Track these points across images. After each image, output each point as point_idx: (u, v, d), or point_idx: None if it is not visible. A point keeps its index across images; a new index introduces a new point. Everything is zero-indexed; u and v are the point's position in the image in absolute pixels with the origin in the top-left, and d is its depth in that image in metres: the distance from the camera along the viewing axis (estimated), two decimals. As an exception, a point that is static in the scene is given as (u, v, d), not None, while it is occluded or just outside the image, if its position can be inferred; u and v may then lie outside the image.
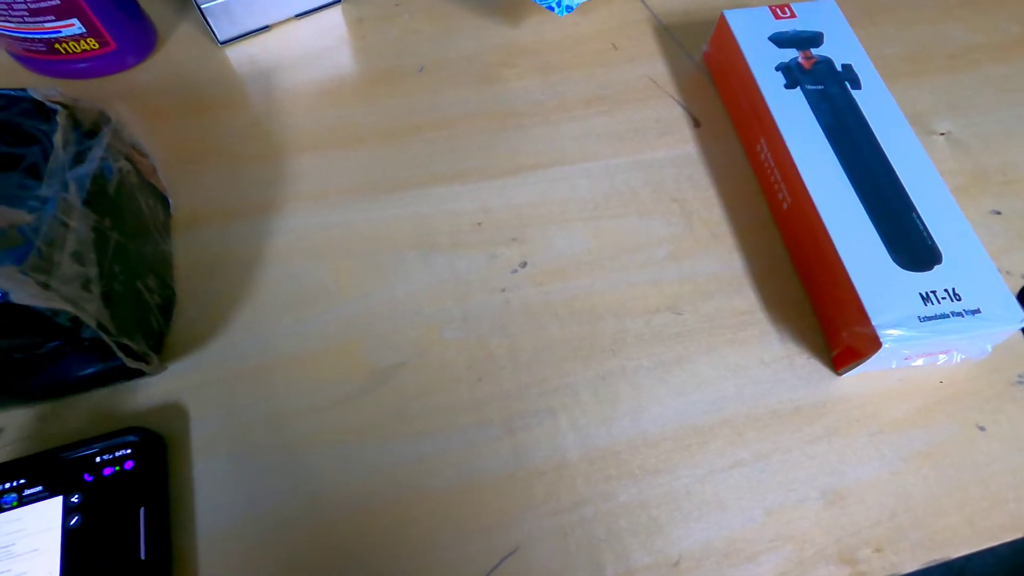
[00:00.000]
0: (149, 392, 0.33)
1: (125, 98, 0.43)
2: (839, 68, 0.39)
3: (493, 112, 0.43)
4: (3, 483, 0.28)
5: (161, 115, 0.42)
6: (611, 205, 0.39)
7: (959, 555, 0.30)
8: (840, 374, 0.34)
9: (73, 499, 0.28)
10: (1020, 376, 0.35)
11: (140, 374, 0.32)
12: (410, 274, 0.36)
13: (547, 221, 0.39)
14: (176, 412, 0.32)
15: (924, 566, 0.29)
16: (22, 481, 0.29)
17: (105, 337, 0.28)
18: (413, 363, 0.34)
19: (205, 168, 0.40)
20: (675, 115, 0.43)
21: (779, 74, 0.38)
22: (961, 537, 0.30)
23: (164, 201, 0.38)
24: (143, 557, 0.27)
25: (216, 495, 0.30)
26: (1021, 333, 0.36)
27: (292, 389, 0.33)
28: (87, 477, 0.29)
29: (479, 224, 0.38)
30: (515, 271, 0.37)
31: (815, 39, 0.40)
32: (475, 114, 0.43)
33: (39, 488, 0.29)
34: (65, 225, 0.27)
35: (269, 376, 0.33)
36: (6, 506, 0.28)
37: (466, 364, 0.34)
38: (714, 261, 0.38)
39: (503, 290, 0.36)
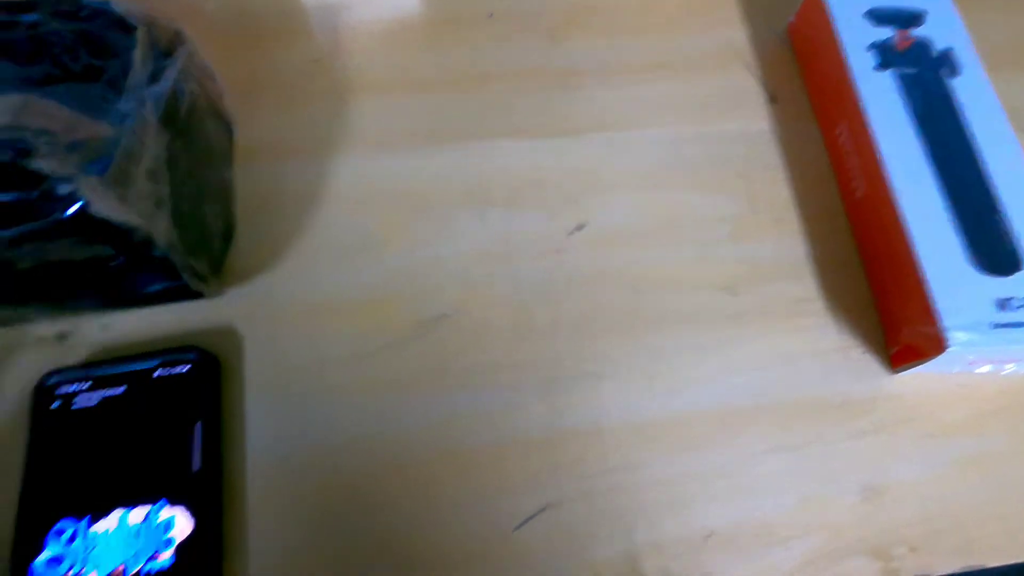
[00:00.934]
0: (205, 315, 0.33)
1: (190, 22, 0.43)
2: (937, 52, 0.36)
3: (558, 69, 0.41)
4: (69, 385, 0.30)
5: (225, 43, 0.42)
6: (673, 177, 0.38)
7: (995, 565, 0.30)
8: (896, 372, 0.33)
9: (133, 407, 0.30)
10: (1084, 395, 0.34)
11: (199, 295, 0.32)
12: (463, 228, 0.36)
13: (606, 187, 0.38)
14: (230, 338, 0.33)
15: (959, 571, 0.29)
16: (87, 384, 0.30)
17: (172, 255, 0.28)
18: (457, 318, 0.34)
19: (266, 101, 0.40)
20: (749, 88, 0.41)
21: (870, 53, 0.36)
22: (999, 547, 0.30)
23: (228, 129, 0.38)
24: (196, 468, 0.29)
25: (264, 422, 0.31)
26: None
27: (337, 333, 0.33)
28: (146, 387, 0.30)
29: (537, 183, 0.38)
30: (570, 234, 0.36)
31: (916, 18, 0.38)
32: (540, 69, 0.41)
33: (102, 393, 0.30)
34: (142, 142, 0.27)
35: (316, 317, 0.34)
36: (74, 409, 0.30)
37: (510, 324, 0.34)
38: (775, 245, 0.37)
39: (556, 251, 0.36)
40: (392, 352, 0.33)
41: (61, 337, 0.33)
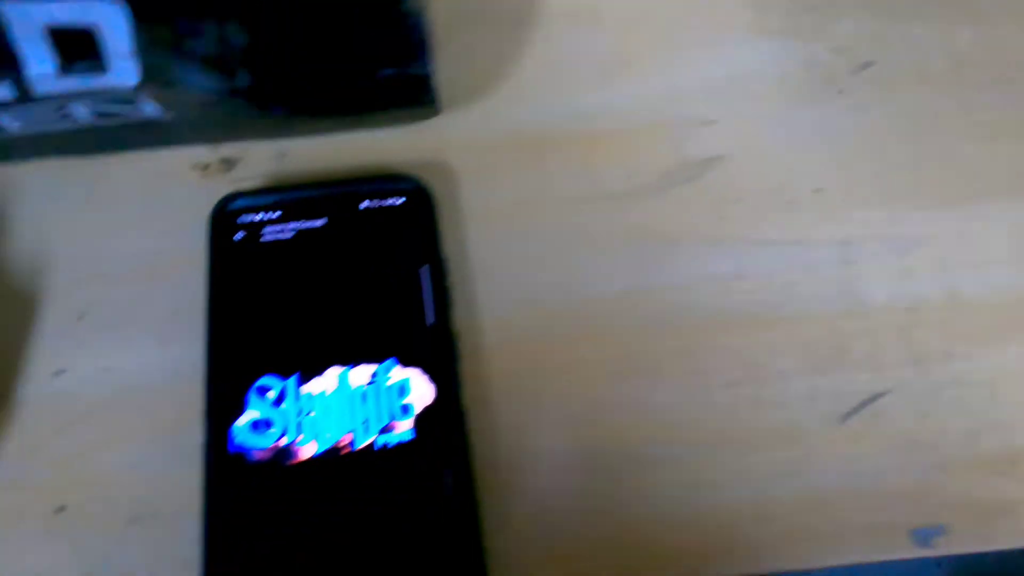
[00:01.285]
0: (406, 145, 0.26)
1: None
2: None
3: None
4: (255, 213, 0.23)
5: None
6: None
7: None
8: None
9: (339, 243, 0.23)
10: None
11: (426, 105, 0.25)
12: (738, 47, 0.28)
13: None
14: (441, 173, 0.25)
15: None
16: (277, 213, 0.23)
17: (423, 24, 0.21)
18: (735, 159, 0.26)
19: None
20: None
21: None
22: None
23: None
24: (430, 322, 0.23)
25: (491, 272, 0.24)
26: None
27: (572, 171, 0.26)
28: (352, 221, 0.23)
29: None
30: (854, 73, 0.28)
31: None
32: None
33: (298, 225, 0.24)
34: None
35: (545, 151, 0.26)
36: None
37: (802, 169, 0.26)
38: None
39: (839, 92, 0.27)
40: (647, 195, 0.26)
41: (227, 163, 0.26)
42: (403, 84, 0.23)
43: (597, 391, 0.23)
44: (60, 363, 0.23)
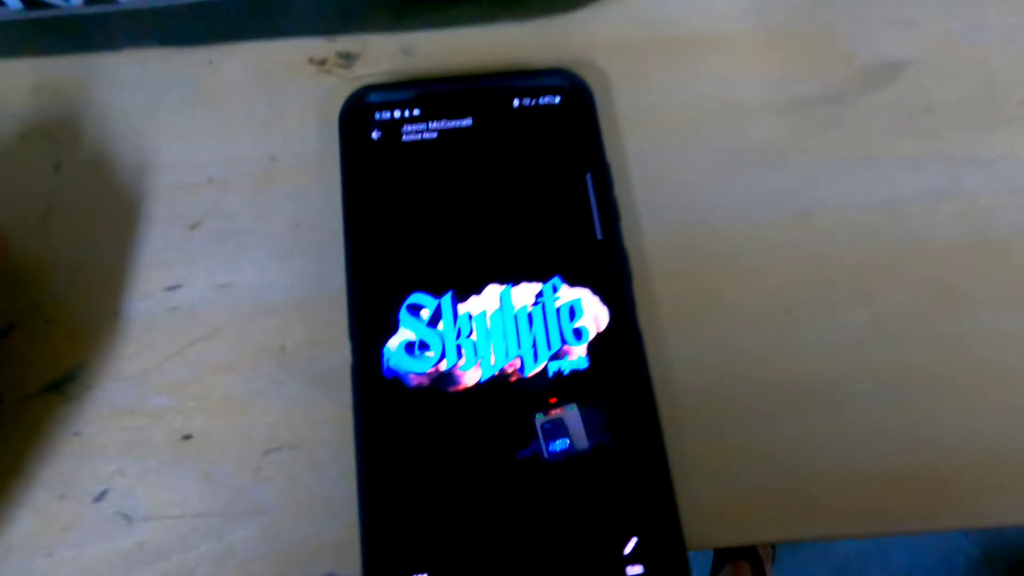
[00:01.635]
0: (547, 42, 0.23)
1: None
2: None
3: None
4: (392, 110, 0.20)
5: None
6: None
7: None
8: None
9: (490, 145, 0.20)
10: None
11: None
12: None
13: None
14: (590, 72, 0.22)
15: None
16: (417, 111, 0.20)
17: None
18: (929, 64, 0.22)
19: None
20: None
21: None
22: None
23: None
24: (600, 237, 0.20)
25: (651, 186, 0.21)
26: None
27: (738, 74, 0.22)
28: (504, 120, 0.20)
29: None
30: None
31: None
32: None
33: (442, 124, 0.21)
34: None
35: (706, 51, 0.23)
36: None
37: (1008, 77, 0.22)
38: None
39: None
40: (825, 103, 0.22)
41: (345, 59, 0.23)
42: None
43: (773, 324, 0.20)
44: (173, 277, 0.20)
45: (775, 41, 0.23)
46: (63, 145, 0.22)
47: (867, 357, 0.20)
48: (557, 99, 0.20)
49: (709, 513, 0.18)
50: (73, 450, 0.18)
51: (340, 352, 0.18)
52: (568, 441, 0.17)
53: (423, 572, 0.16)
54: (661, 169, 0.22)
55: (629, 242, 0.20)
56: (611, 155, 0.21)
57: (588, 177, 0.20)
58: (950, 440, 0.19)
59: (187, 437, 0.18)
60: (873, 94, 0.23)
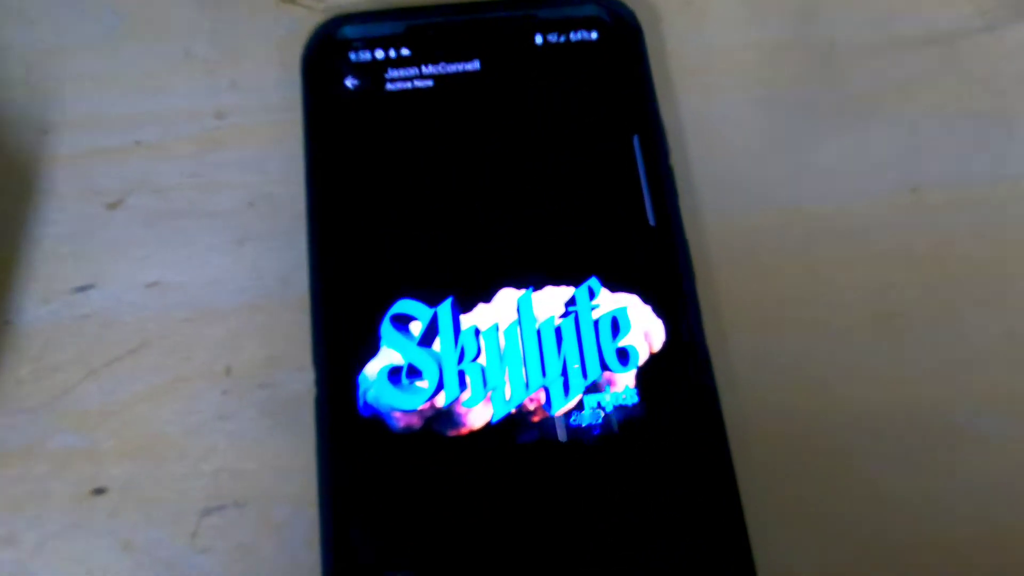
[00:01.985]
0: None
1: None
2: None
3: None
4: (370, 50, 0.15)
5: None
6: None
7: None
8: None
9: (502, 96, 0.15)
10: None
11: None
12: None
13: None
14: (638, 2, 0.16)
15: None
16: (405, 51, 0.15)
17: None
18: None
19: None
20: None
21: None
22: None
23: None
24: (652, 222, 0.15)
25: (714, 151, 0.16)
26: None
27: (826, 8, 0.17)
28: (523, 63, 0.15)
29: None
30: None
31: None
32: None
33: (439, 68, 0.17)
34: None
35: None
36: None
37: None
38: None
39: None
40: (937, 47, 0.17)
41: None
42: None
43: (873, 337, 0.15)
44: (85, 274, 0.15)
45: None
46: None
47: (999, 381, 0.15)
48: (594, 35, 0.15)
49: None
50: (-52, 507, 0.14)
51: (304, 375, 0.14)
52: (610, 498, 0.13)
53: None
54: (725, 132, 0.16)
55: (691, 227, 0.15)
56: (667, 109, 0.17)
57: (635, 140, 0.15)
58: None
59: (100, 491, 0.14)
60: (1004, 31, 0.18)
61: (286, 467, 0.14)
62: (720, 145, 0.16)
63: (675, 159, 0.16)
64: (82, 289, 0.15)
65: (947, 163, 0.16)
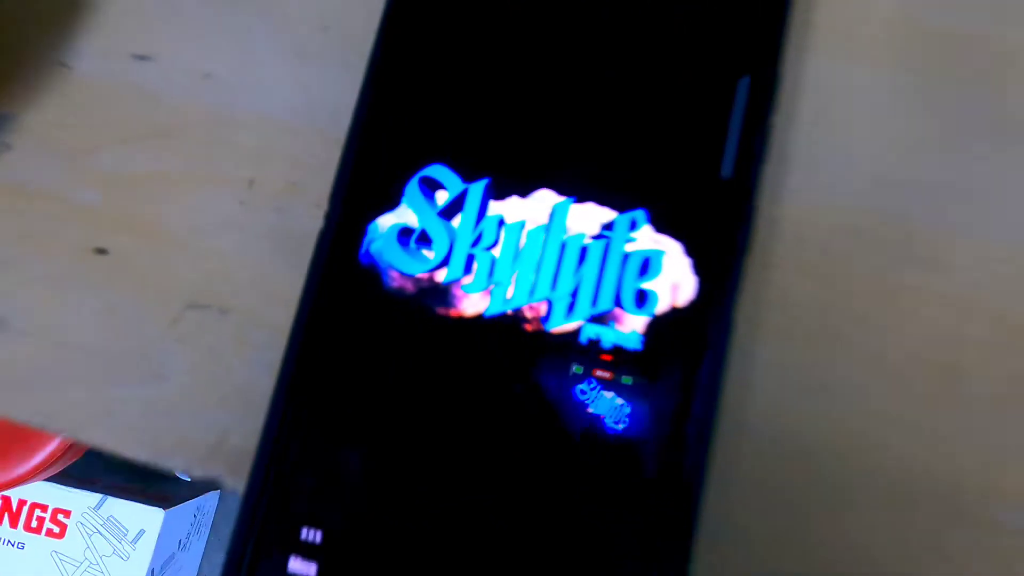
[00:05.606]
0: None
1: None
2: None
3: None
4: None
5: None
6: None
7: None
8: None
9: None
10: None
11: None
12: None
13: None
14: None
15: None
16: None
17: None
18: None
19: None
20: None
21: None
22: None
23: None
24: (726, 176, 0.14)
25: (828, 125, 0.14)
26: None
27: None
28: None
29: None
30: None
31: None
32: None
33: None
34: None
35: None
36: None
37: None
38: None
39: None
40: None
41: None
42: None
43: (925, 384, 0.13)
44: (147, 42, 0.15)
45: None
46: None
47: None
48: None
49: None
50: (-34, 219, 0.15)
51: (319, 210, 0.13)
52: (572, 433, 0.12)
53: (319, 527, 0.12)
54: (849, 110, 0.14)
55: (765, 198, 0.14)
56: (788, 66, 0.15)
57: (744, 82, 0.13)
58: None
59: (101, 251, 0.14)
60: None
61: (276, 294, 0.14)
62: (839, 122, 0.14)
63: (779, 118, 0.14)
64: (141, 58, 0.15)
65: None
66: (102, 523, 0.84)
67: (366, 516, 0.12)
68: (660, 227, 0.12)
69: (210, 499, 0.98)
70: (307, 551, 0.12)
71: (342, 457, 0.12)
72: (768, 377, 0.13)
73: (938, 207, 0.14)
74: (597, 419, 0.12)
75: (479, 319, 0.12)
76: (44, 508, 0.86)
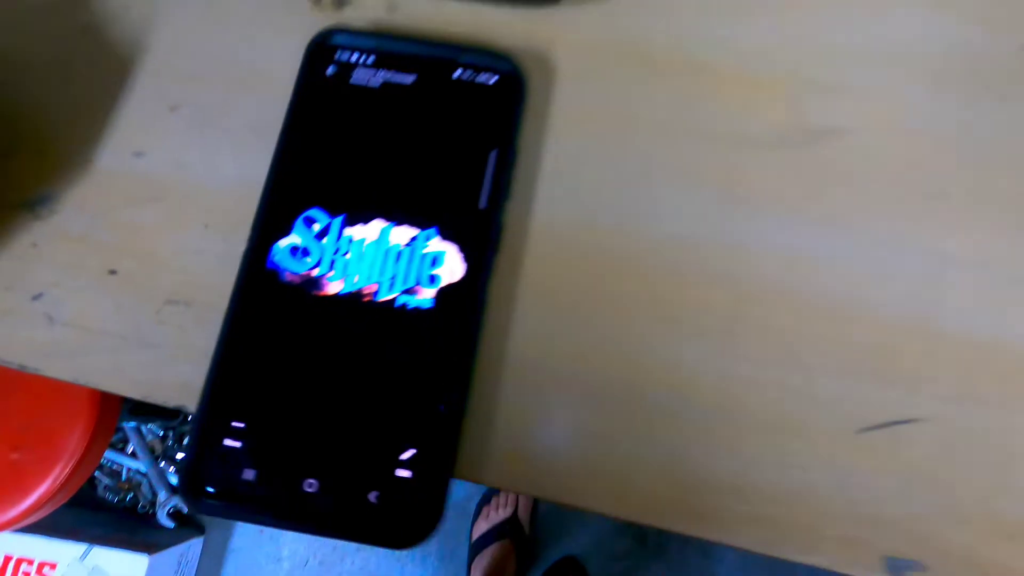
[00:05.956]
0: (515, 28, 0.25)
1: None
2: None
3: None
4: (351, 53, 0.23)
5: None
6: None
7: None
8: None
9: (421, 104, 0.22)
10: None
11: None
12: (902, 16, 0.25)
13: None
14: (541, 64, 0.24)
15: None
16: (371, 58, 0.23)
17: None
18: (854, 135, 0.23)
19: None
20: None
21: None
22: None
23: None
24: (482, 206, 0.23)
25: (559, 174, 0.23)
26: None
27: (676, 99, 0.24)
28: (441, 86, 0.23)
29: None
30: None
31: None
32: None
33: (388, 75, 0.24)
34: None
35: (655, 71, 0.24)
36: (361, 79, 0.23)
37: (928, 166, 0.23)
38: None
39: (998, 91, 0.24)
40: (749, 148, 0.24)
41: (339, 1, 0.27)
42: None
43: (623, 325, 0.22)
44: (142, 144, 0.24)
45: (720, 78, 0.24)
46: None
47: (697, 381, 0.22)
48: (493, 79, 0.23)
49: (490, 458, 0.21)
50: (27, 256, 0.23)
51: (244, 238, 0.22)
52: (392, 363, 0.20)
53: (242, 421, 0.20)
54: (573, 165, 0.24)
55: (515, 220, 0.23)
56: (532, 140, 0.24)
57: (493, 154, 0.22)
58: (740, 468, 0.21)
59: (113, 272, 0.23)
60: (794, 151, 0.24)
61: (221, 290, 0.22)
62: (566, 174, 0.24)
63: (522, 175, 0.23)
64: (137, 155, 0.24)
65: (703, 226, 0.23)
66: (88, 573, 0.87)
67: (272, 413, 0.20)
68: (444, 237, 0.21)
69: (194, 545, 1.01)
70: (235, 434, 0.19)
71: (256, 380, 0.20)
72: (517, 320, 0.22)
73: (627, 213, 0.23)
74: (411, 332, 0.20)
75: (337, 295, 0.21)
76: (31, 562, 0.90)
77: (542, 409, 0.21)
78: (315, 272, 0.21)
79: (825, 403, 0.21)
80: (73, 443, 0.59)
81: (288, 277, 0.21)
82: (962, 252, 0.23)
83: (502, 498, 1.05)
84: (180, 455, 1.04)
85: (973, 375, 0.21)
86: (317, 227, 0.22)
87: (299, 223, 0.22)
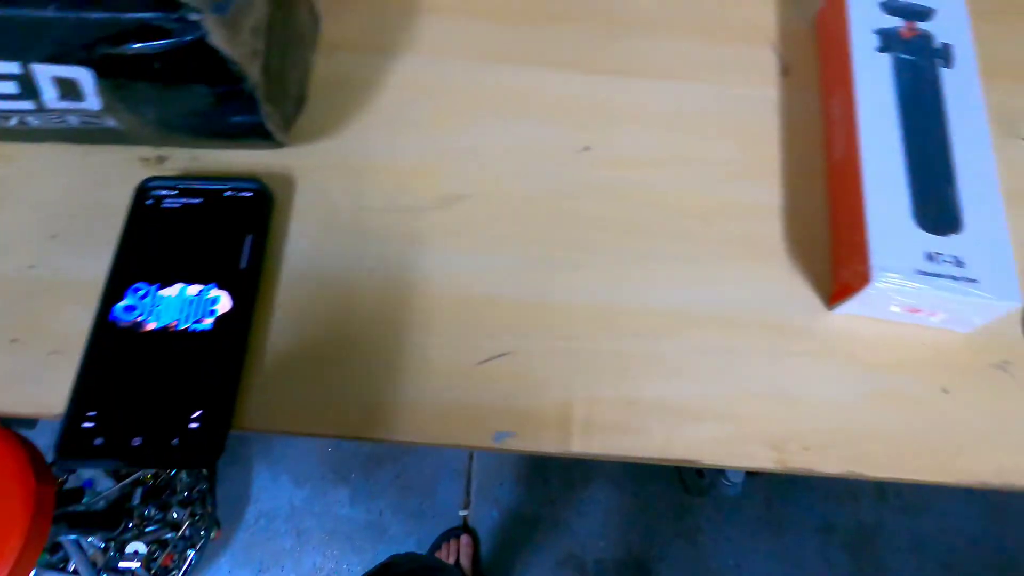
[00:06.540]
0: (270, 161, 0.41)
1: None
2: (937, 45, 0.40)
3: (605, 14, 0.47)
4: (162, 190, 0.38)
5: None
6: (680, 122, 0.43)
7: (874, 476, 0.33)
8: (831, 309, 0.37)
9: (205, 214, 0.38)
10: (1002, 363, 0.37)
11: (269, 138, 0.40)
12: (493, 128, 0.43)
13: (622, 120, 0.43)
14: (287, 180, 0.41)
15: (839, 474, 0.33)
16: (175, 192, 0.38)
17: (257, 94, 0.36)
18: (475, 198, 0.40)
19: (351, 5, 0.47)
20: (767, 61, 0.46)
21: (875, 36, 0.40)
22: (882, 464, 0.34)
23: (316, 21, 0.45)
24: (243, 267, 0.37)
25: (301, 245, 0.39)
26: (1022, 326, 0.37)
27: (376, 190, 0.41)
28: (217, 202, 0.38)
29: (565, 107, 0.44)
30: (580, 152, 0.42)
31: (924, 14, 0.41)
32: (594, 14, 0.47)
33: (185, 200, 0.38)
34: (251, 3, 0.35)
35: (361, 175, 0.41)
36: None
37: (514, 210, 0.40)
38: (755, 190, 0.41)
39: (564, 164, 0.42)
40: (417, 213, 0.40)
41: (160, 159, 0.41)
42: (249, 129, 0.38)
43: (348, 325, 0.37)
44: (30, 259, 0.38)
45: (404, 173, 0.41)
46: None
47: (378, 336, 0.36)
48: (251, 194, 0.38)
49: (257, 414, 0.35)
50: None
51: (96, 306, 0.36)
52: (192, 364, 0.33)
53: (95, 410, 0.32)
54: (310, 237, 0.40)
55: (271, 273, 0.38)
56: (279, 226, 0.39)
57: (249, 237, 0.37)
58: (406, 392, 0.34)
59: (14, 341, 0.35)
60: (444, 210, 0.39)
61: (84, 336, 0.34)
62: (305, 247, 0.39)
63: (274, 248, 0.38)
64: (30, 267, 0.37)
65: (392, 265, 0.38)
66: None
67: (112, 404, 0.33)
68: (220, 287, 0.35)
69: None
70: (90, 419, 0.31)
71: (103, 385, 0.33)
72: (273, 331, 0.36)
73: (346, 262, 0.37)
74: (200, 344, 0.34)
75: (153, 330, 0.34)
76: None
77: (289, 382, 0.35)
78: (139, 318, 0.35)
79: (453, 350, 0.36)
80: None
81: (123, 324, 0.35)
82: (526, 253, 0.39)
83: (443, 551, 1.12)
84: (123, 564, 1.08)
85: (540, 320, 0.37)
86: (141, 292, 0.35)
87: (129, 292, 0.36)
